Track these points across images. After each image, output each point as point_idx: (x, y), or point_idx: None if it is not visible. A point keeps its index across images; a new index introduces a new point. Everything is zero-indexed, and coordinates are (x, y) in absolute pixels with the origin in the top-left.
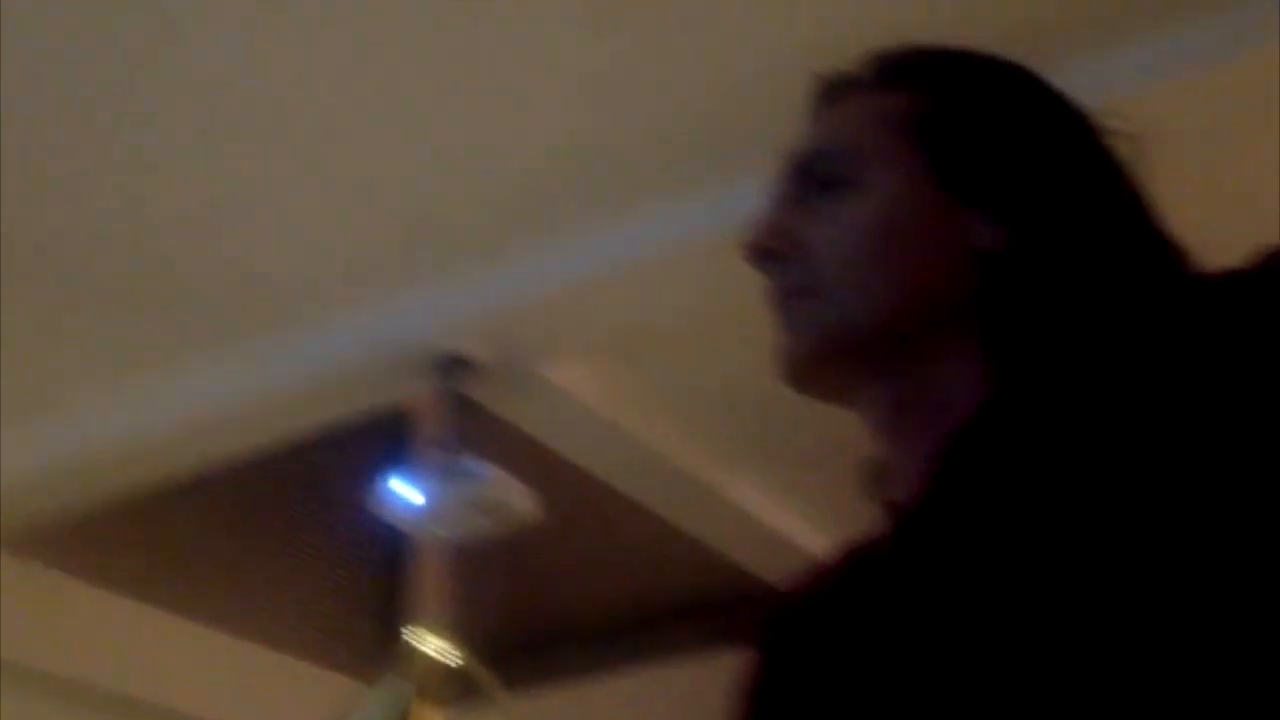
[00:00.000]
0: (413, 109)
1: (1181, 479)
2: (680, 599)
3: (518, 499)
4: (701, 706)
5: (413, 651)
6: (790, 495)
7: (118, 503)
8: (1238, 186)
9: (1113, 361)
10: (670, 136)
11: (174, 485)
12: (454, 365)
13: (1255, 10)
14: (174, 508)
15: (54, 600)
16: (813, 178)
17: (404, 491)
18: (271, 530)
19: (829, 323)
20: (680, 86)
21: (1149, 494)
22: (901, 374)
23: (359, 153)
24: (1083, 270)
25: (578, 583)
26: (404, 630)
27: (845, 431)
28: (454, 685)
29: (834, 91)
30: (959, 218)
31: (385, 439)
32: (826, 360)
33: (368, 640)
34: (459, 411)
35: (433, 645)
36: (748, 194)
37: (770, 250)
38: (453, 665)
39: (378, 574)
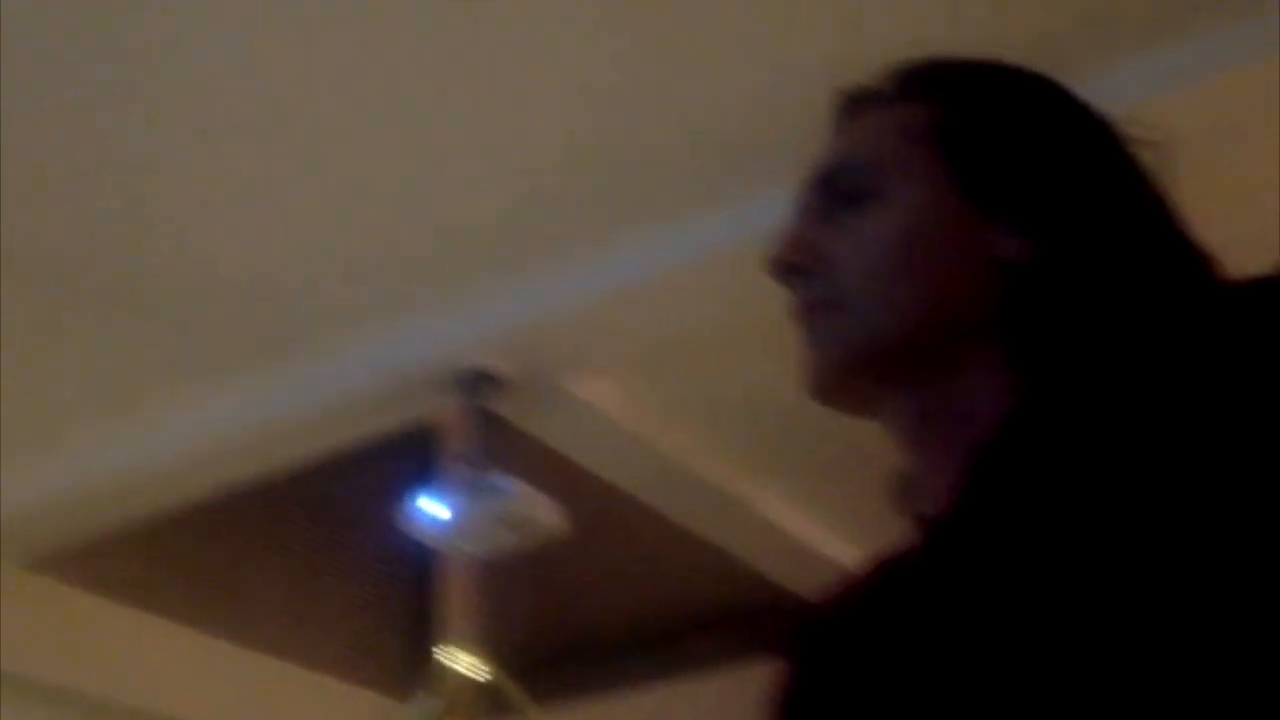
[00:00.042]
0: (432, 118)
1: (1213, 491)
2: (707, 611)
3: (544, 513)
4: (730, 719)
5: (443, 669)
6: (814, 505)
7: (150, 522)
8: (1248, 191)
9: (1139, 372)
10: (693, 151)
11: (205, 505)
12: (479, 381)
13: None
14: (205, 527)
15: (84, 619)
16: (835, 191)
17: (431, 508)
18: (301, 548)
19: (853, 336)
20: (704, 100)
21: (1180, 506)
22: (926, 385)
23: (376, 163)
24: (1108, 280)
25: (605, 596)
26: (434, 648)
27: (869, 442)
28: (484, 701)
29: (856, 104)
30: (983, 229)
31: (412, 456)
32: (852, 373)
33: (397, 656)
34: (485, 427)
35: (463, 662)
36: (770, 207)
37: (793, 264)
38: (482, 681)
39: (406, 590)
